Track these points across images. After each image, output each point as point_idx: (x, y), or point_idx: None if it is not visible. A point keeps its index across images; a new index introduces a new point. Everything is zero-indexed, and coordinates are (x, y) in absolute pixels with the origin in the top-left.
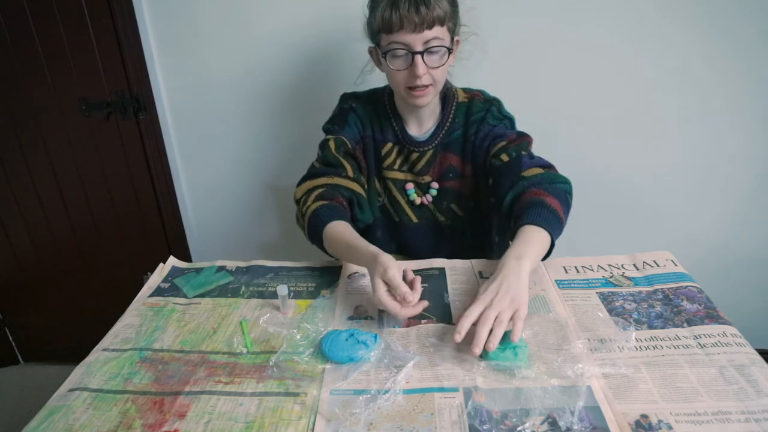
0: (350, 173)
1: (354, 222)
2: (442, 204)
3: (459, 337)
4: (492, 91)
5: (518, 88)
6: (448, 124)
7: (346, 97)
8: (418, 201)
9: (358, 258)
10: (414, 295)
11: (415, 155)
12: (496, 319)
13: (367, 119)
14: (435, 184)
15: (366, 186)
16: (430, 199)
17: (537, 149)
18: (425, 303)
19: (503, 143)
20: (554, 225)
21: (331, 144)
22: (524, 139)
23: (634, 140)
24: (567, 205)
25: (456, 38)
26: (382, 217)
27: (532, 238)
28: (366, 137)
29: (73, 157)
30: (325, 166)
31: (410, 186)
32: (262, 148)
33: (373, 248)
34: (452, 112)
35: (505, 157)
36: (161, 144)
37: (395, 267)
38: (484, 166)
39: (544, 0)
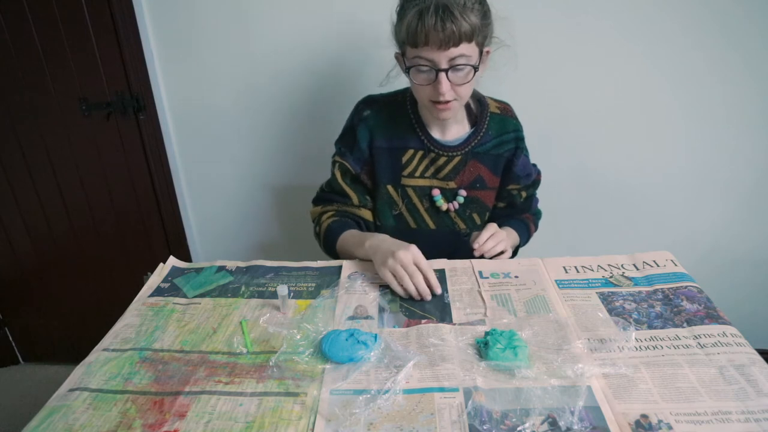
0: (355, 201)
1: None
2: (465, 212)
3: (478, 252)
4: (492, 93)
5: (519, 88)
6: (481, 133)
7: (360, 107)
8: (444, 207)
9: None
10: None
11: (442, 159)
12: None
13: (380, 128)
14: (463, 192)
15: (373, 206)
16: (456, 206)
17: (538, 150)
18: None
19: (528, 183)
20: (522, 241)
21: (338, 173)
22: (538, 178)
23: (634, 141)
24: (536, 229)
25: (486, 49)
26: (397, 225)
27: (512, 237)
28: (375, 147)
29: (73, 157)
30: (332, 193)
31: (437, 192)
32: (262, 147)
33: (367, 247)
34: (486, 121)
35: (524, 195)
36: (161, 144)
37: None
38: (502, 186)
39: (543, 1)
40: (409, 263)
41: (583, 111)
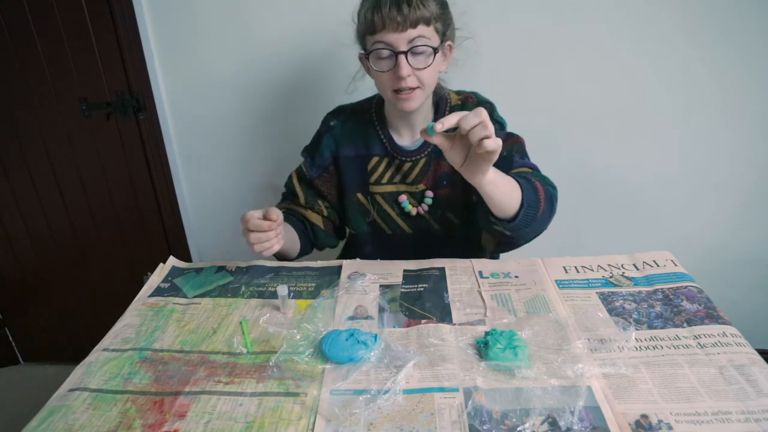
0: (302, 201)
1: (319, 248)
2: (437, 213)
3: (440, 127)
4: (490, 94)
5: (517, 89)
6: None
7: (326, 118)
8: (413, 212)
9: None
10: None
11: (407, 165)
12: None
13: (346, 137)
14: (430, 193)
15: (326, 212)
16: (425, 208)
17: (536, 151)
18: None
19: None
20: (531, 201)
21: (294, 174)
22: (515, 140)
23: (633, 140)
24: (550, 204)
25: (448, 43)
26: (372, 232)
27: (509, 181)
28: (342, 156)
29: (73, 157)
30: (287, 192)
31: (403, 198)
32: (262, 147)
33: None
34: (445, 116)
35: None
36: (161, 144)
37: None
38: None
39: (540, 1)
40: (248, 219)
41: (582, 111)
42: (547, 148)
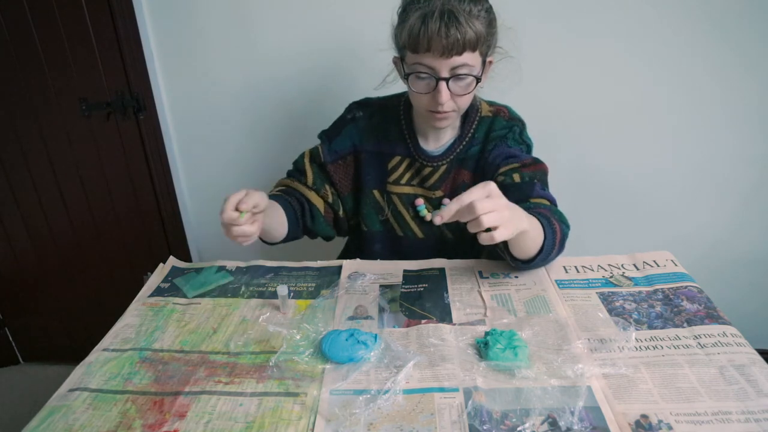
0: (309, 182)
1: (308, 232)
2: (452, 221)
3: (439, 220)
4: (489, 94)
5: (516, 89)
6: (467, 139)
7: (351, 107)
8: (428, 217)
9: None
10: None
11: (427, 170)
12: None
13: (370, 132)
14: (447, 201)
15: (330, 198)
16: None
17: (536, 151)
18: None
19: (516, 165)
20: (548, 248)
21: (307, 153)
22: (539, 167)
23: (633, 140)
24: (562, 245)
25: (489, 59)
26: (384, 231)
27: (537, 228)
28: (364, 151)
29: (73, 157)
30: (294, 170)
31: (420, 201)
32: (262, 147)
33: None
34: (473, 126)
35: (517, 178)
36: (161, 144)
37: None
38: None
39: (540, 1)
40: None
41: (582, 111)
42: (547, 148)
